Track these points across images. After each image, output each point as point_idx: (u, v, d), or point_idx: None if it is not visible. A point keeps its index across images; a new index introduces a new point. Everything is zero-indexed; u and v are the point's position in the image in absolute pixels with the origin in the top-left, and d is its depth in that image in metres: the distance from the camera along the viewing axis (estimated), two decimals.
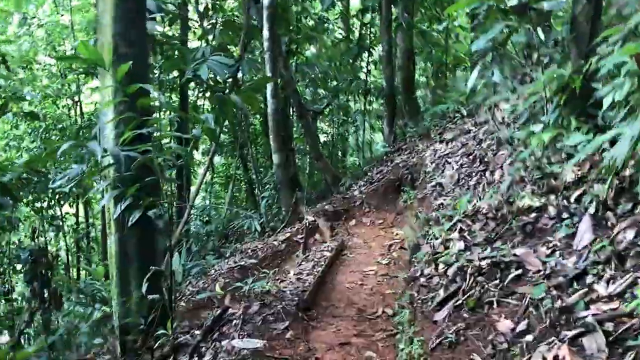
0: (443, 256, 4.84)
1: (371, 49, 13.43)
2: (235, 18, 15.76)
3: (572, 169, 4.40)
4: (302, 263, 8.44)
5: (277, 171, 11.27)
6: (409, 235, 7.90)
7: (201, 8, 12.89)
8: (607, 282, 3.09)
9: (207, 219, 15.26)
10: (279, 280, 7.34)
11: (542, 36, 5.57)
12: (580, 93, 4.82)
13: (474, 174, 7.43)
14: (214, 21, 13.14)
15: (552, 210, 4.22)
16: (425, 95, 17.64)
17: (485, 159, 7.52)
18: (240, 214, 12.05)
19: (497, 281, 3.88)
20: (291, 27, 15.03)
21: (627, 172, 3.76)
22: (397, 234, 9.68)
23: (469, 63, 17.68)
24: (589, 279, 3.25)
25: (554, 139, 4.69)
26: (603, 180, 4.01)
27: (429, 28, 17.53)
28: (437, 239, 5.46)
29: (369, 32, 13.39)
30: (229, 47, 13.22)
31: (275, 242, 10.33)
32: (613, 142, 3.22)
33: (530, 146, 4.79)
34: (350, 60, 14.98)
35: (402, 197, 11.13)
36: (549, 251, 3.84)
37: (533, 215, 4.32)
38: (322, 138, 20.54)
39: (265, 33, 10.99)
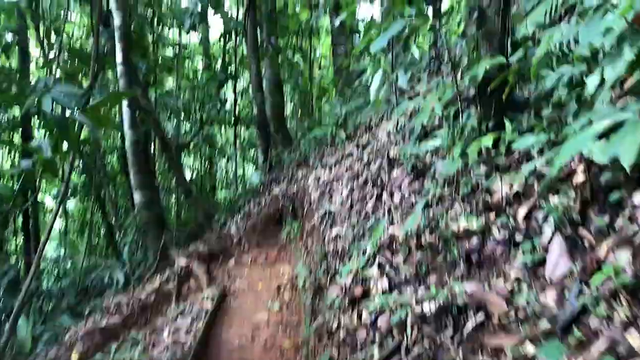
0: (364, 300, 3.78)
1: (237, 76, 12.34)
2: (84, 44, 14.12)
3: (508, 181, 3.56)
4: (178, 318, 7.03)
5: (141, 211, 9.72)
6: (302, 273, 6.81)
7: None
8: (633, 327, 2.17)
9: (61, 272, 13.16)
10: (151, 344, 5.91)
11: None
12: (497, 92, 4.07)
13: (368, 197, 6.52)
14: (57, 49, 11.47)
15: (497, 233, 3.32)
16: (295, 124, 16.89)
17: (378, 181, 6.65)
18: (99, 264, 10.28)
19: (452, 331, 2.87)
20: (147, 56, 13.60)
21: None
22: (284, 273, 8.55)
23: (334, 92, 17.32)
24: (594, 322, 2.33)
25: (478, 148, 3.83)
26: (556, 191, 3.18)
27: (293, 56, 16.92)
28: (346, 276, 4.40)
29: (234, 59, 12.31)
30: (77, 76, 11.63)
31: (143, 295, 8.77)
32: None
33: (454, 158, 3.90)
34: (215, 89, 13.80)
35: (284, 231, 10.06)
36: (510, 286, 2.90)
37: (474, 240, 3.39)
38: (189, 174, 19.08)
39: (119, 56, 9.53)
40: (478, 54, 4.36)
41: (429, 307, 3.08)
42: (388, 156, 6.85)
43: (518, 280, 2.92)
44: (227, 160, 15.14)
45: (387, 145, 7.63)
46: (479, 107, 4.30)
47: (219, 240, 10.45)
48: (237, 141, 12.76)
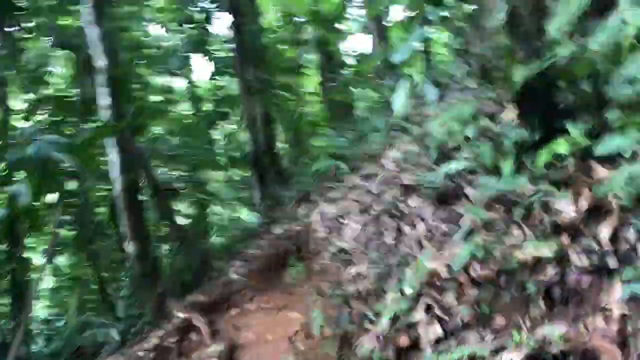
0: (413, 352, 3.12)
1: (228, 116, 11.81)
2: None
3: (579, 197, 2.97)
4: None
5: (134, 264, 9.00)
6: (317, 320, 6.11)
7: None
8: None
9: (52, 333, 12.28)
10: None
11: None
12: (542, 97, 3.52)
13: (386, 231, 5.90)
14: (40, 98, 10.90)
15: (577, 259, 2.69)
16: (288, 162, 16.33)
17: (394, 212, 6.04)
18: (93, 322, 9.48)
19: None
20: (133, 101, 13.06)
21: None
22: (294, 320, 7.84)
23: (326, 127, 16.85)
24: None
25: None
26: None
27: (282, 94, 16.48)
28: (384, 322, 3.74)
29: (224, 98, 11.81)
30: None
31: (141, 353, 8.04)
32: None
33: (504, 175, 3.31)
34: (205, 131, 13.26)
35: (289, 274, 9.35)
36: (616, 325, 2.27)
37: (550, 270, 2.76)
38: (182, 221, 18.34)
39: (104, 101, 8.95)
40: (514, 59, 3.81)
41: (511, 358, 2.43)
42: (402, 184, 6.27)
43: (624, 316, 2.28)
44: (221, 204, 14.45)
45: (398, 174, 7.05)
46: (520, 116, 3.74)
47: (219, 289, 9.72)
48: (231, 183, 12.13)
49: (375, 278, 4.97)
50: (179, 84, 14.62)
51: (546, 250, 2.83)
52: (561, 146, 2.75)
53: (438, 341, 3.04)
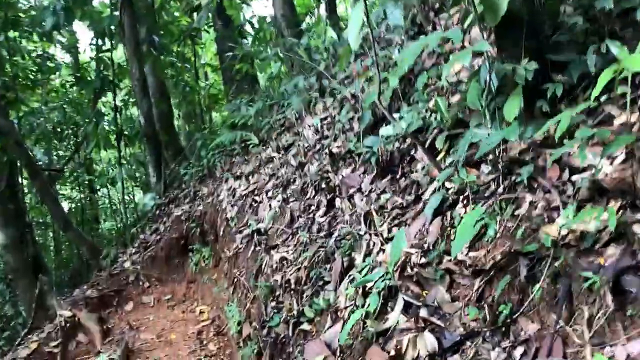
0: None
1: (116, 84, 10.19)
2: None
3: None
4: None
5: (7, 256, 7.40)
6: (233, 315, 5.02)
7: None
8: None
9: None
10: None
11: None
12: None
13: (315, 207, 4.89)
14: None
15: None
16: (185, 137, 14.85)
17: (323, 185, 5.04)
18: None
19: None
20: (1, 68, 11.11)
21: None
22: (200, 313, 6.70)
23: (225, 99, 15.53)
24: None
25: None
26: None
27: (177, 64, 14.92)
28: (335, 325, 2.75)
29: (111, 64, 10.15)
30: None
31: None
32: None
33: (499, 126, 2.39)
34: (90, 102, 11.52)
35: (192, 260, 8.15)
36: None
37: (613, 252, 1.87)
38: (67, 205, 16.34)
39: None
40: None
41: None
42: (330, 153, 5.27)
43: None
44: (111, 185, 12.75)
45: (321, 143, 6.06)
46: (500, 53, 2.84)
47: (111, 280, 8.32)
48: (122, 160, 10.57)
49: (309, 264, 3.95)
50: (59, 49, 12.69)
51: (591, 224, 1.93)
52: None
53: (433, 355, 2.07)
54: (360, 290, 2.82)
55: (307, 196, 5.24)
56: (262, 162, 7.22)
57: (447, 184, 3.01)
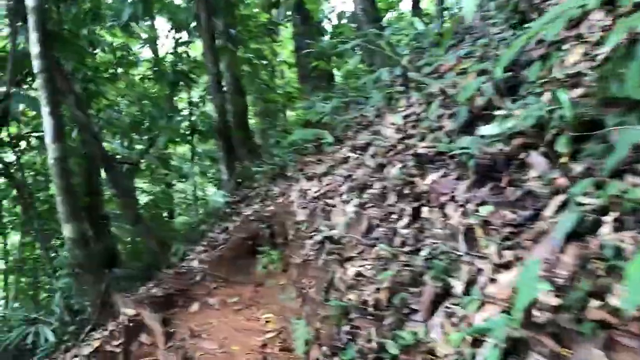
0: None
1: (191, 77, 9.87)
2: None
3: None
4: None
5: (73, 249, 7.16)
6: (301, 332, 4.43)
7: None
8: None
9: None
10: None
11: None
12: None
13: (397, 216, 4.22)
14: None
15: None
16: (259, 136, 14.48)
17: (407, 191, 4.36)
18: (21, 319, 7.62)
19: None
20: (84, 61, 11.06)
21: None
22: (266, 322, 6.15)
23: (301, 98, 15.07)
24: None
25: None
26: None
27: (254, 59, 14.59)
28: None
29: (187, 56, 9.86)
30: None
31: (78, 359, 6.34)
32: None
33: None
34: (166, 95, 11.31)
35: (260, 263, 7.66)
36: None
37: None
38: (143, 199, 16.40)
39: (35, 48, 7.04)
40: None
41: None
42: (416, 155, 4.59)
43: None
44: (185, 180, 12.55)
45: (404, 142, 5.38)
46: None
47: (178, 279, 7.96)
48: (195, 156, 10.26)
49: (391, 285, 3.29)
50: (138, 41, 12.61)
51: None
52: None
53: None
54: (469, 337, 2.13)
55: (388, 202, 4.57)
56: (337, 163, 6.62)
57: (582, 199, 2.27)
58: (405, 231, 3.92)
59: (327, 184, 6.14)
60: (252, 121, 16.24)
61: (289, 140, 7.78)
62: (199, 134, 10.44)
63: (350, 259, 4.30)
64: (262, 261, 7.59)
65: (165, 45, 13.05)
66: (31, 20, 7.11)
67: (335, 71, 15.14)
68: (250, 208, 8.38)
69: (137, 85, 12.65)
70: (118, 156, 13.87)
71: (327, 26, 13.80)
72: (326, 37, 15.01)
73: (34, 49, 7.12)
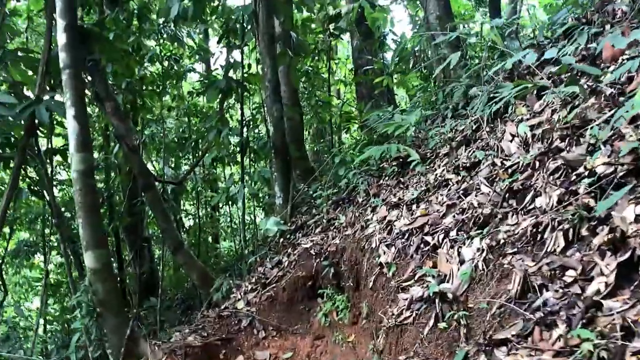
0: None
1: (245, 86, 8.36)
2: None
3: None
4: None
5: (95, 283, 5.61)
6: None
7: None
8: None
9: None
10: None
11: None
12: None
13: (577, 272, 2.47)
14: None
15: None
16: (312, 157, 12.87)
17: (585, 232, 2.61)
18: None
19: None
20: (130, 69, 9.76)
21: None
22: None
23: (357, 121, 13.44)
24: None
25: None
26: None
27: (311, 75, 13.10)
28: None
29: (241, 62, 8.38)
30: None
31: None
32: None
33: None
34: (215, 105, 9.86)
35: (321, 308, 5.96)
36: None
37: None
38: (189, 222, 14.98)
39: (61, 39, 5.69)
40: None
41: None
42: (592, 175, 2.85)
43: None
44: (231, 204, 11.00)
45: (538, 159, 3.65)
46: None
47: (219, 323, 6.33)
48: (245, 177, 8.71)
49: None
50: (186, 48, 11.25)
51: None
52: None
53: None
54: None
55: (549, 248, 2.82)
56: (431, 187, 4.90)
57: None
58: (613, 304, 2.17)
59: (422, 215, 4.42)
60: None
61: (361, 157, 6.10)
62: (251, 152, 8.91)
63: (493, 341, 2.55)
64: (324, 308, 5.90)
65: (217, 57, 11.64)
66: (59, 5, 5.74)
67: (395, 89, 13.51)
68: (309, 239, 6.71)
69: (185, 99, 11.30)
70: (160, 175, 12.55)
71: (390, 42, 12.18)
72: (387, 55, 13.44)
73: (60, 39, 5.74)
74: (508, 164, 4.10)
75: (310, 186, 8.05)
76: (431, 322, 3.28)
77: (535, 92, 4.81)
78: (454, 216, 4.12)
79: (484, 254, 3.26)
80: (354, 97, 15.45)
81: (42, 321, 12.58)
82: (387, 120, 6.98)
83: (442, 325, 3.14)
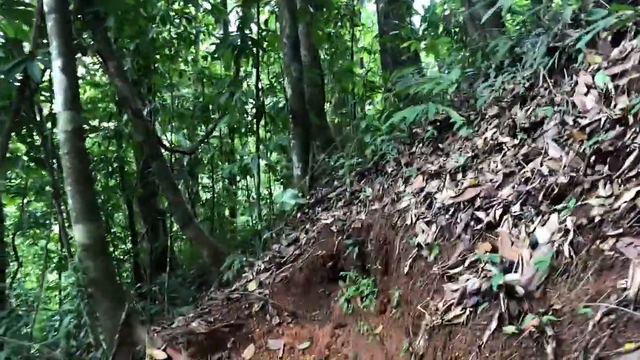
0: None
1: (261, 44, 7.44)
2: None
3: None
4: None
5: (86, 261, 4.84)
6: None
7: None
8: None
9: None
10: None
11: None
12: None
13: None
14: None
15: None
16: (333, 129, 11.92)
17: None
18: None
19: None
20: (143, 32, 8.97)
21: None
22: None
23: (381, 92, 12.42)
24: None
25: None
26: None
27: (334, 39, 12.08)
28: None
29: (257, 17, 7.45)
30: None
31: None
32: None
33: None
34: (230, 65, 8.96)
35: (343, 293, 5.11)
36: None
37: None
38: (204, 195, 14.20)
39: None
40: None
41: None
42: None
43: None
44: (245, 175, 10.14)
45: (629, 112, 2.72)
46: None
47: (229, 307, 5.54)
48: (261, 146, 7.84)
49: None
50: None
51: None
52: None
53: None
54: None
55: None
56: (480, 152, 3.98)
57: None
58: None
59: (472, 186, 3.52)
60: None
61: (391, 121, 5.18)
62: (269, 119, 8.02)
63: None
64: (346, 292, 5.06)
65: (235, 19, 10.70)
66: None
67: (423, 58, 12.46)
68: (330, 214, 5.85)
69: (199, 64, 10.41)
70: (176, 146, 11.79)
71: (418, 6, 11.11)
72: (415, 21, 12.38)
73: None
74: (584, 122, 3.17)
75: (331, 156, 7.15)
76: (493, 325, 2.42)
77: (610, 37, 3.85)
78: (513, 187, 3.22)
79: (570, 236, 2.36)
80: (378, 66, 14.42)
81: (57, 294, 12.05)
82: (419, 81, 6.03)
83: (509, 329, 2.28)
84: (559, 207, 2.70)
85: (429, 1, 13.23)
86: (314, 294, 5.52)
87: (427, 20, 11.92)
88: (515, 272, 2.56)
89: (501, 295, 2.46)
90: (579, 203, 2.54)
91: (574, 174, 2.77)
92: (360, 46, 15.23)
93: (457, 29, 12.17)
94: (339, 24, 13.19)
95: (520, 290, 2.42)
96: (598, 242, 2.20)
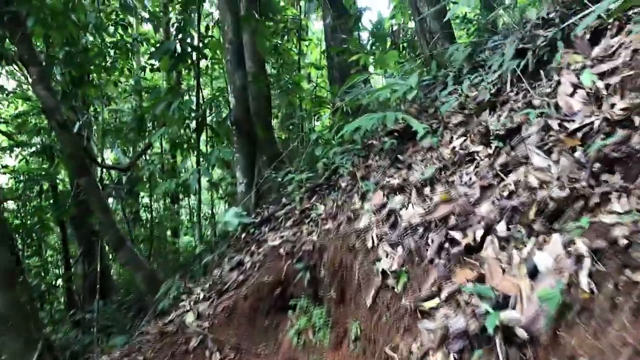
0: None
1: (202, 51, 6.77)
2: None
3: None
4: None
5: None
6: None
7: None
8: None
9: None
10: None
11: None
12: None
13: None
14: None
15: None
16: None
17: None
18: None
19: None
20: (75, 40, 8.15)
21: None
22: None
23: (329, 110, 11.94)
24: None
25: None
26: None
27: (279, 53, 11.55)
28: None
29: (197, 23, 6.79)
30: None
31: None
32: None
33: None
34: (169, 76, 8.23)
35: (292, 323, 4.45)
36: None
37: None
38: (145, 215, 13.24)
39: None
40: None
41: None
42: None
43: None
44: (189, 194, 9.34)
45: (634, 112, 2.24)
46: None
47: (160, 343, 4.78)
48: (201, 161, 7.12)
49: None
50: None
51: None
52: None
53: None
54: None
55: None
56: (448, 164, 3.45)
57: None
58: None
59: (444, 202, 2.98)
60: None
61: (346, 128, 4.62)
62: (209, 130, 7.31)
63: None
64: (297, 323, 4.40)
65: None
66: None
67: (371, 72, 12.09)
68: (278, 235, 5.20)
69: (133, 72, 9.59)
70: (115, 163, 10.90)
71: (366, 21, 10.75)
72: (362, 35, 11.99)
73: None
74: (574, 125, 2.69)
75: (279, 171, 6.53)
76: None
77: (588, 35, 3.45)
78: (493, 202, 2.70)
79: (585, 263, 1.82)
80: (325, 82, 13.97)
81: None
82: (372, 90, 5.53)
83: None
84: (557, 226, 2.18)
85: (376, 17, 12.85)
86: (260, 325, 4.83)
87: (375, 36, 11.58)
88: (513, 308, 2.01)
89: (497, 339, 1.91)
90: (590, 220, 2.02)
91: (574, 186, 2.26)
92: (307, 61, 14.76)
93: (405, 43, 11.85)
94: (286, 37, 12.70)
95: (522, 334, 1.87)
96: (629, 271, 1.67)
